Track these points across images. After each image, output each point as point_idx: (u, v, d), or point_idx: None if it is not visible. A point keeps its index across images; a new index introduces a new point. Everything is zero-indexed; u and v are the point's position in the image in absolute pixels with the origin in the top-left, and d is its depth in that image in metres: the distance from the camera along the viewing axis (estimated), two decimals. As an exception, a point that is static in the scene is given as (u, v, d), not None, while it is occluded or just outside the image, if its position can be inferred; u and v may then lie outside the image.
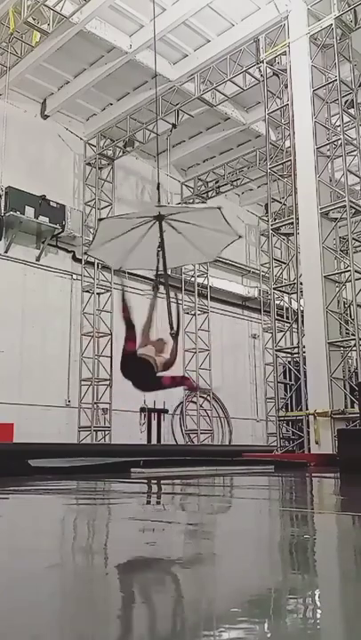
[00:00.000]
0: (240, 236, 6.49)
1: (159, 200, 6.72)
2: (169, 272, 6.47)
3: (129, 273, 14.98)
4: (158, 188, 6.87)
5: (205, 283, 18.48)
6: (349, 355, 12.36)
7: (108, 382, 15.27)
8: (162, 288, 6.45)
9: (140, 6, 12.49)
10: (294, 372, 12.96)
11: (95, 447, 13.41)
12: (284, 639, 1.40)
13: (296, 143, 12.37)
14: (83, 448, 12.49)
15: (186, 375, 6.01)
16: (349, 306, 12.27)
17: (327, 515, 4.21)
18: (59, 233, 15.04)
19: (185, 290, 17.92)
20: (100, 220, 6.81)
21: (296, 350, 12.81)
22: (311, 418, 11.27)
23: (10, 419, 12.55)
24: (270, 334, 15.05)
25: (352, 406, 10.83)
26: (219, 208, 6.21)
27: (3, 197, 13.96)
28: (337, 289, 11.71)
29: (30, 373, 14.08)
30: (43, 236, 15.03)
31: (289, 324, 13.34)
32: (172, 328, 5.95)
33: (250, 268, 20.53)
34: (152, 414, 15.43)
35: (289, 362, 13.33)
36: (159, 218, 6.12)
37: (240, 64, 13.70)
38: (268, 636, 1.43)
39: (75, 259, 15.85)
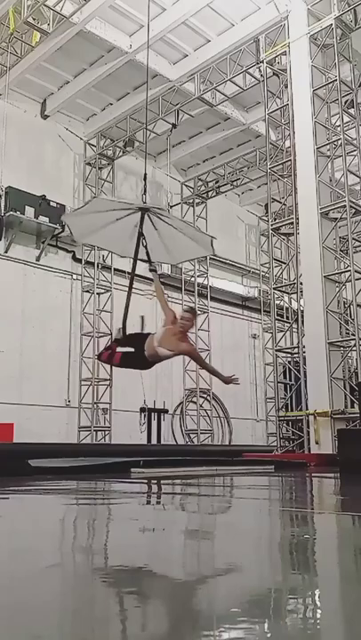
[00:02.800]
0: (212, 254, 6.56)
1: (144, 192, 6.75)
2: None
3: (129, 273, 14.96)
4: (145, 179, 6.92)
5: (205, 283, 18.49)
6: (349, 355, 12.36)
7: (108, 382, 15.27)
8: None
9: (140, 6, 12.49)
10: (294, 372, 12.96)
11: (95, 447, 13.41)
12: (284, 639, 1.40)
13: (296, 143, 12.37)
14: (83, 448, 12.49)
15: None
16: (349, 306, 12.27)
17: (327, 515, 4.21)
18: (59, 233, 15.04)
19: (185, 290, 17.93)
20: (94, 197, 6.86)
21: (296, 350, 12.82)
22: (311, 418, 11.27)
23: (10, 419, 12.56)
24: (270, 334, 15.05)
25: (352, 406, 10.83)
26: (212, 238, 6.24)
27: (3, 197, 13.97)
28: (337, 289, 11.71)
29: (30, 373, 14.09)
30: (43, 236, 15.04)
31: (289, 324, 13.34)
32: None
33: (250, 267, 20.54)
34: (152, 414, 15.44)
35: (289, 362, 13.33)
36: (144, 210, 6.09)
37: (240, 64, 13.71)
38: (268, 636, 1.43)
39: (75, 259, 15.87)
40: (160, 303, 6.25)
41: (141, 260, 6.33)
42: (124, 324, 6.00)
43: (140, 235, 6.02)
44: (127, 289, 6.31)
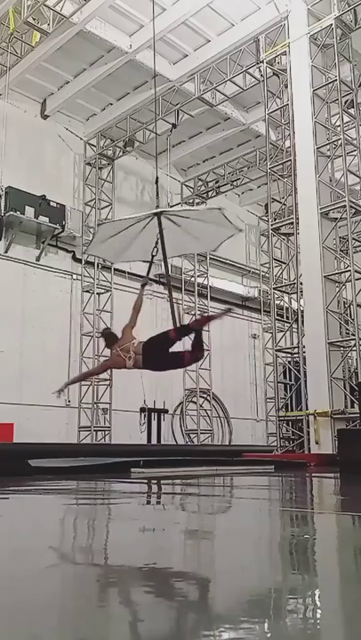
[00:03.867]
0: (241, 230, 6.64)
1: (157, 195, 6.82)
2: (169, 267, 6.65)
3: (129, 273, 15.00)
4: (157, 182, 6.98)
5: (205, 283, 18.49)
6: (349, 355, 12.36)
7: (108, 382, 15.26)
8: (158, 287, 6.80)
9: (140, 6, 12.50)
10: (294, 372, 12.96)
11: (95, 447, 13.41)
12: (284, 639, 1.40)
13: (296, 143, 12.37)
14: (83, 448, 12.49)
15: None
16: (349, 306, 12.27)
17: (327, 515, 4.21)
18: (59, 233, 15.04)
19: (185, 290, 17.92)
20: (100, 224, 7.06)
21: (296, 350, 12.81)
22: (311, 418, 11.27)
23: (10, 419, 12.56)
24: (270, 334, 15.04)
25: (352, 406, 10.83)
26: (219, 209, 6.33)
27: (3, 197, 13.97)
28: (337, 289, 11.71)
29: (30, 373, 14.08)
30: (43, 236, 15.04)
31: (289, 324, 13.33)
32: (175, 325, 6.22)
33: (250, 267, 20.54)
34: (152, 414, 15.43)
35: (289, 362, 13.33)
36: (158, 213, 6.25)
37: (240, 64, 13.70)
38: (268, 636, 1.43)
39: (75, 259, 15.86)
40: (132, 315, 6.28)
41: (144, 277, 6.54)
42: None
43: (161, 240, 6.19)
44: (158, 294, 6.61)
